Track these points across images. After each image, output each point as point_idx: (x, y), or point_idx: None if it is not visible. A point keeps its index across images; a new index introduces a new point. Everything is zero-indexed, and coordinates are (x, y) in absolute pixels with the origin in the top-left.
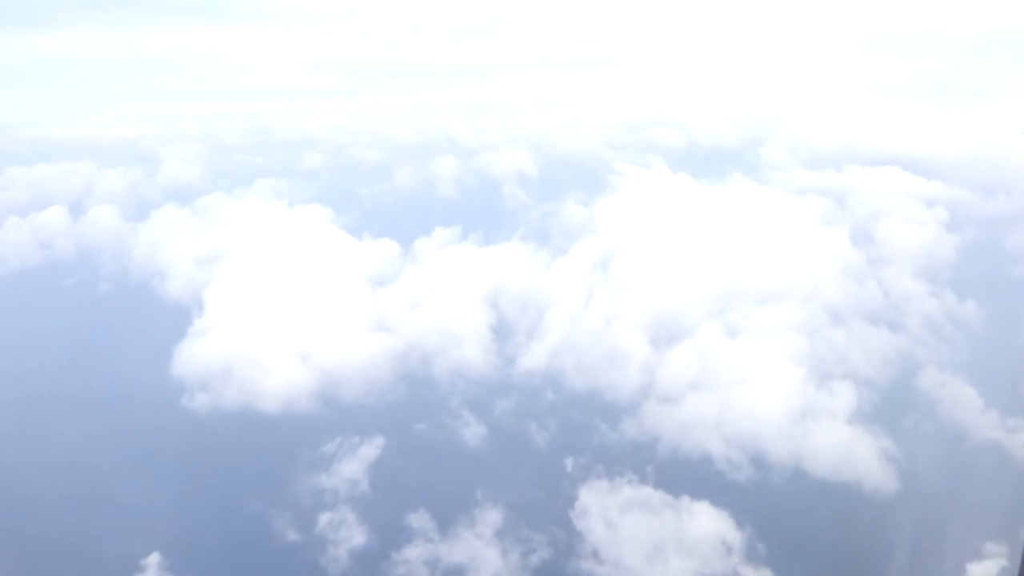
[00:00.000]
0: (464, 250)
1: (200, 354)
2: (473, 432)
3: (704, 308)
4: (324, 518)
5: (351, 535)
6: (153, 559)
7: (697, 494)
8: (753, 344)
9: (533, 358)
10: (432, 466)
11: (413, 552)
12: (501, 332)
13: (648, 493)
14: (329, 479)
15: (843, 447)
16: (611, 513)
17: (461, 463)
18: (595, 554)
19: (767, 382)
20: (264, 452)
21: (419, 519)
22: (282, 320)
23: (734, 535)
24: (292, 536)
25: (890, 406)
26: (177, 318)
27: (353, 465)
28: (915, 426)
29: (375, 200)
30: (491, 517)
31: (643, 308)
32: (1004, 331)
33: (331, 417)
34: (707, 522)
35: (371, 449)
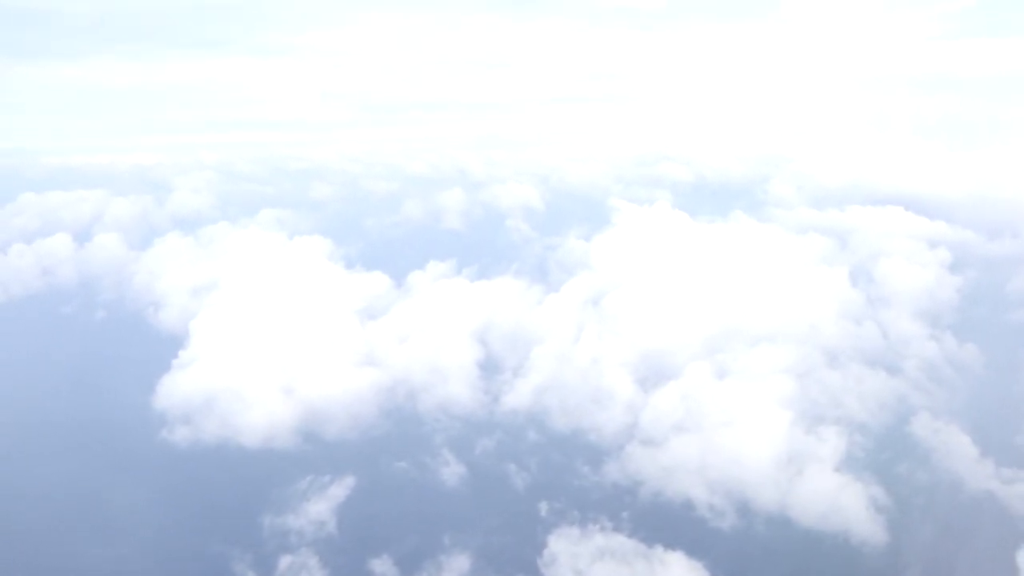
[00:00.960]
0: (457, 284)
1: (183, 386)
2: (451, 472)
3: (694, 348)
4: (285, 561)
5: None
6: None
7: (673, 543)
8: (742, 386)
9: (517, 396)
10: (404, 508)
11: None
12: (489, 368)
13: (621, 541)
14: (296, 519)
15: (831, 495)
16: (581, 562)
17: (434, 505)
18: None
19: (754, 426)
20: (236, 489)
21: (382, 565)
22: (267, 353)
23: None
24: None
25: (883, 453)
26: (167, 348)
27: (321, 505)
28: (908, 474)
29: (381, 232)
30: (457, 563)
31: (632, 347)
32: (1004, 377)
33: (311, 453)
34: (679, 574)
35: (341, 489)
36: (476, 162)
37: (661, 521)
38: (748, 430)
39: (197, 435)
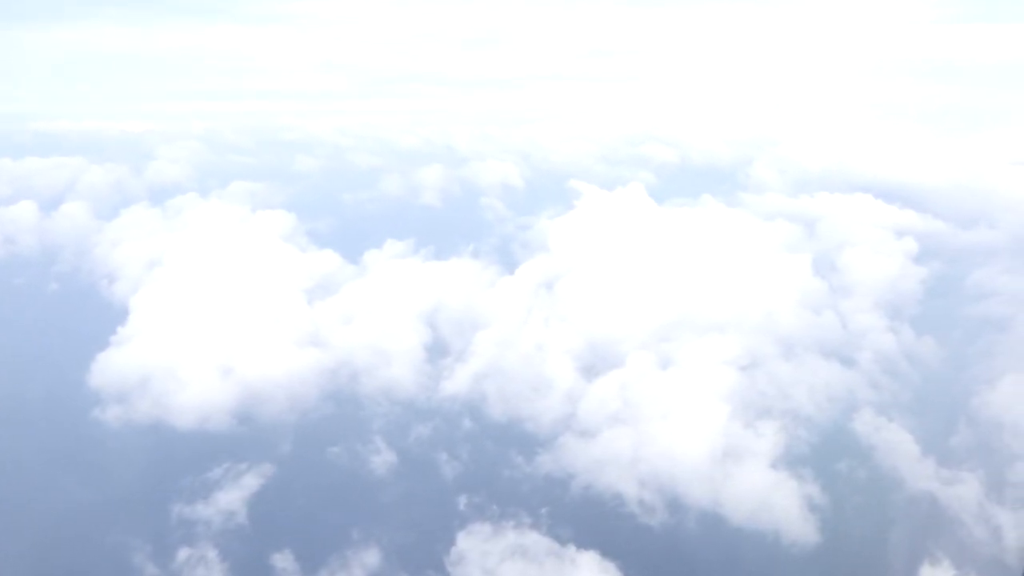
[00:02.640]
0: (410, 264)
1: (119, 363)
2: (381, 460)
3: (643, 336)
4: (183, 554)
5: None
6: None
7: (592, 541)
8: (684, 377)
9: (456, 382)
10: (322, 498)
11: None
12: (436, 352)
13: (534, 539)
14: (206, 508)
15: (763, 493)
16: (489, 560)
17: (355, 495)
18: None
19: (691, 419)
20: (156, 474)
21: (283, 560)
22: (207, 331)
23: None
24: (148, 573)
25: (824, 449)
26: (116, 323)
27: (233, 494)
28: (847, 472)
29: (357, 207)
30: (363, 559)
31: (578, 334)
32: (956, 373)
33: (243, 436)
34: (589, 574)
35: (256, 477)
36: (467, 138)
37: (587, 517)
38: (685, 423)
39: (129, 415)
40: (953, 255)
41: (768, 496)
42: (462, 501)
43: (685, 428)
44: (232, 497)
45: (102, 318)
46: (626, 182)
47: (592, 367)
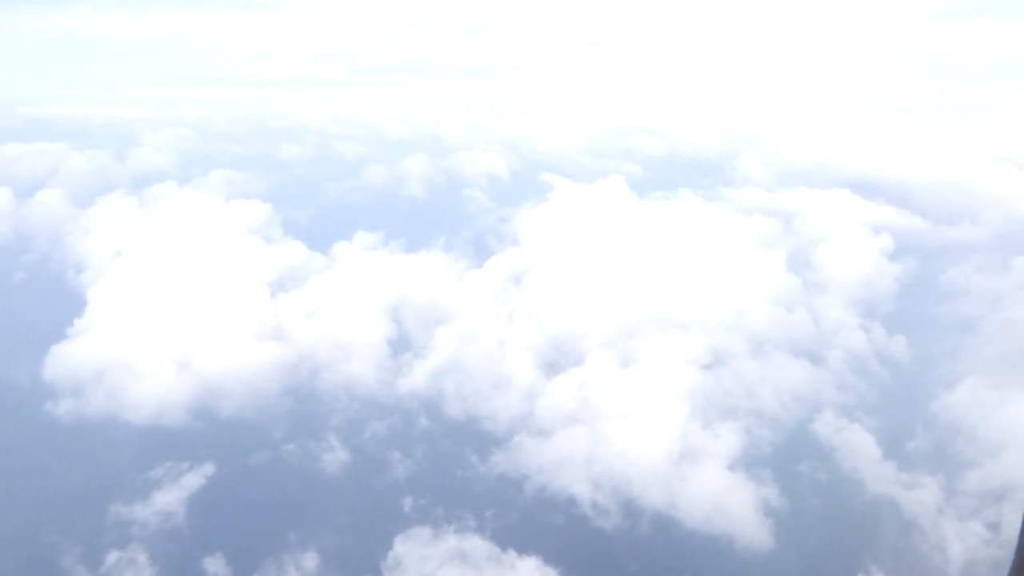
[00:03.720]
0: (379, 257)
1: (75, 356)
2: (333, 458)
3: (607, 333)
4: (112, 557)
5: None
6: None
7: (539, 545)
8: (645, 375)
9: (414, 379)
10: (265, 498)
11: None
12: (398, 347)
13: (475, 544)
14: (143, 509)
15: (719, 495)
16: (427, 566)
17: (300, 495)
18: None
19: (648, 418)
20: (102, 470)
21: (215, 564)
22: (166, 324)
23: None
24: None
25: (785, 450)
26: (76, 315)
27: (172, 495)
28: (808, 475)
29: (339, 197)
30: (300, 563)
31: (542, 330)
32: (922, 373)
33: (198, 432)
34: None
35: (197, 477)
36: (456, 127)
37: (537, 519)
38: (642, 423)
39: (83, 409)
40: (930, 252)
41: (724, 499)
42: (407, 503)
43: (642, 428)
44: (171, 497)
45: (64, 309)
46: (612, 174)
47: (555, 364)
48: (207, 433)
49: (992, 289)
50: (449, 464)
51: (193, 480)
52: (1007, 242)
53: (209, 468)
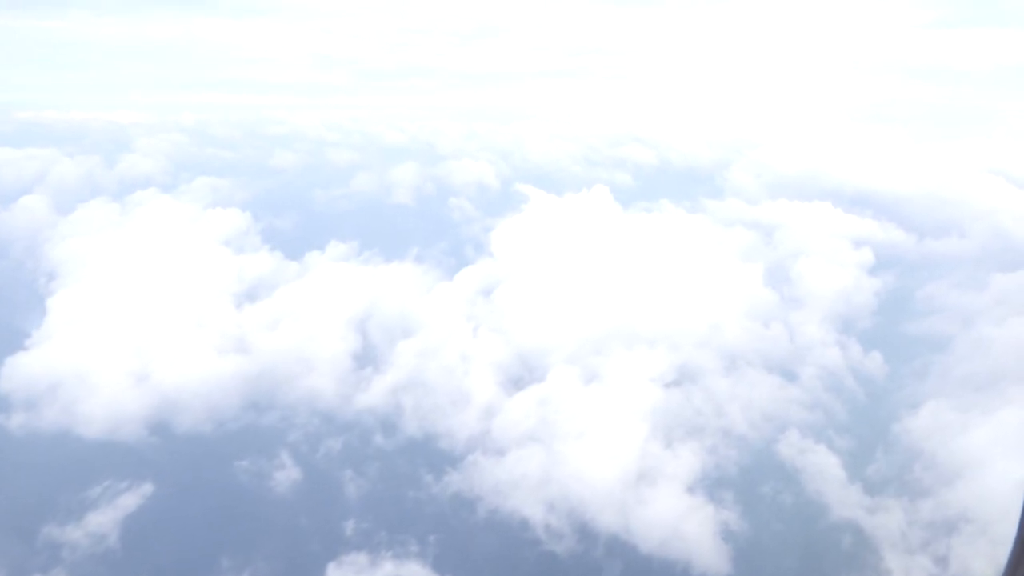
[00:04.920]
0: (349, 267)
1: (31, 367)
2: (283, 477)
3: (573, 349)
4: None
5: None
6: None
7: (480, 571)
8: (607, 393)
9: (371, 395)
10: (205, 519)
11: None
12: (363, 360)
13: (413, 570)
14: (75, 531)
15: (677, 519)
16: None
17: (241, 516)
18: None
19: (607, 438)
20: (45, 488)
21: None
22: (126, 335)
23: None
24: None
25: (749, 472)
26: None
27: (106, 516)
28: (771, 497)
29: (327, 204)
30: None
31: (507, 345)
32: (892, 393)
33: (152, 447)
34: None
35: (134, 497)
36: (452, 135)
37: (487, 543)
38: (600, 443)
39: (35, 422)
40: (911, 267)
41: (681, 522)
42: (349, 526)
43: (600, 448)
44: (105, 518)
45: (29, 318)
46: (603, 183)
47: (520, 380)
48: (161, 449)
49: (968, 306)
50: (402, 484)
51: (130, 500)
52: (991, 256)
53: (149, 487)
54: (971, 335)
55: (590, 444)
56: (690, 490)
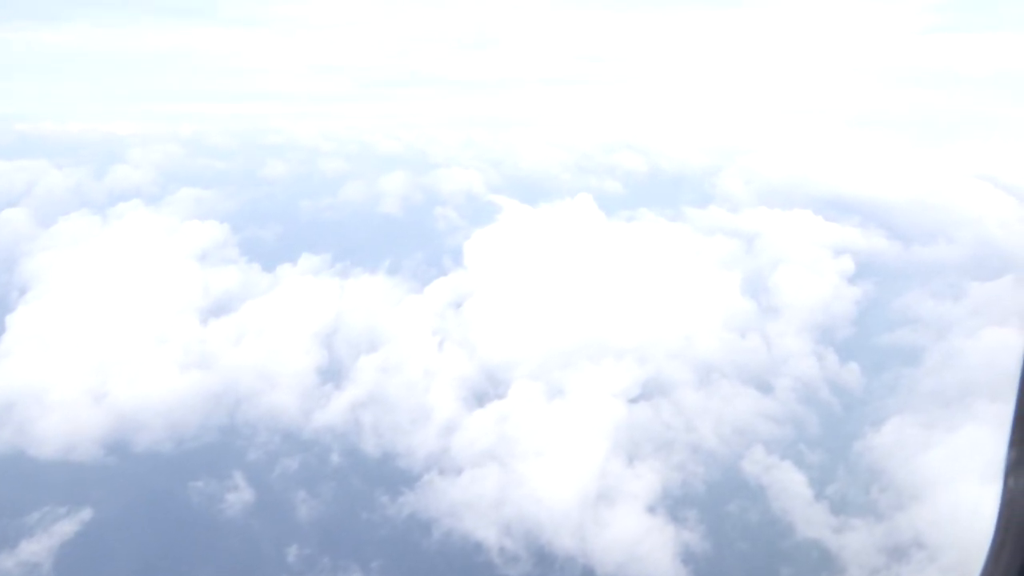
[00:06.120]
0: (319, 280)
1: None
2: (235, 499)
3: (539, 363)
4: None
5: None
6: None
7: None
8: (570, 409)
9: (331, 412)
10: (140, 547)
11: None
12: (328, 376)
13: None
14: (8, 559)
15: (636, 540)
16: None
17: (184, 542)
18: None
19: (567, 457)
20: None
21: None
22: (85, 352)
23: None
24: None
25: (717, 489)
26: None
27: (40, 544)
28: (737, 516)
29: (314, 214)
30: None
31: (472, 359)
32: (867, 405)
33: (107, 467)
34: None
35: (72, 524)
36: (447, 143)
37: (439, 568)
38: (560, 461)
39: None
40: (892, 275)
41: (641, 543)
42: (292, 552)
43: (560, 467)
44: (39, 547)
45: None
46: (592, 191)
47: (484, 395)
48: (115, 469)
49: (944, 316)
50: (355, 506)
51: (68, 526)
52: (974, 264)
53: (89, 512)
54: (943, 347)
55: (549, 463)
56: (651, 510)
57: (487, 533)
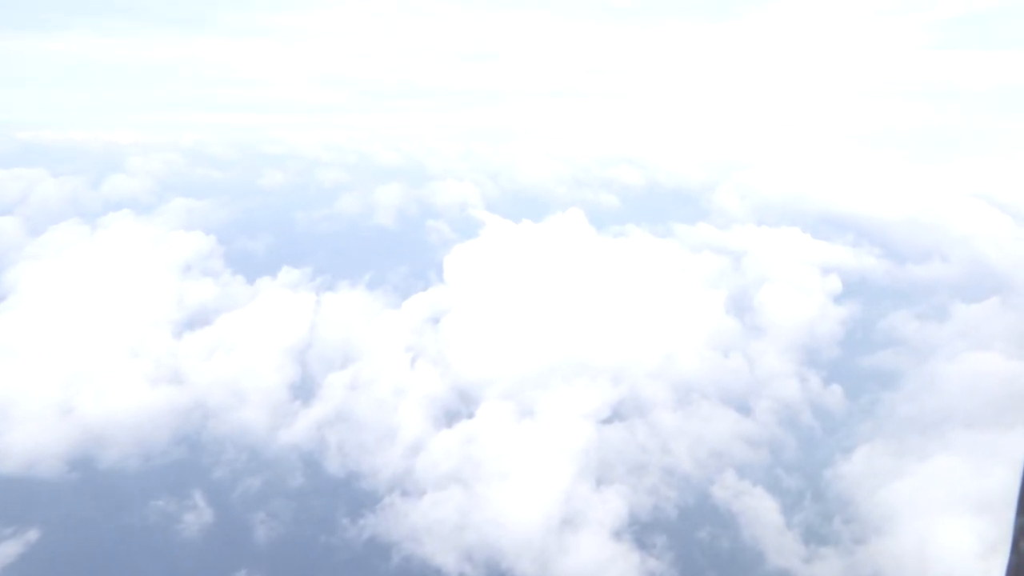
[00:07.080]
0: (296, 294)
1: None
2: (193, 520)
3: (512, 382)
4: None
5: None
6: None
7: None
8: (539, 430)
9: (295, 430)
10: (94, 568)
11: None
12: (299, 392)
13: None
14: None
15: (599, 568)
16: None
17: (127, 568)
18: None
19: (532, 480)
20: None
21: None
22: (56, 365)
23: None
24: None
25: (688, 515)
26: None
27: None
28: (707, 543)
29: (307, 226)
30: None
31: (444, 377)
32: (846, 428)
33: (69, 484)
34: None
35: (17, 545)
36: (447, 155)
37: None
38: (525, 485)
39: None
40: (878, 295)
41: (604, 571)
42: None
43: (524, 490)
44: None
45: None
46: (588, 205)
47: (455, 414)
48: (77, 486)
49: (928, 339)
50: (315, 528)
51: (12, 547)
52: (964, 283)
53: (36, 533)
54: (924, 371)
55: (514, 485)
56: (617, 535)
57: (447, 558)
